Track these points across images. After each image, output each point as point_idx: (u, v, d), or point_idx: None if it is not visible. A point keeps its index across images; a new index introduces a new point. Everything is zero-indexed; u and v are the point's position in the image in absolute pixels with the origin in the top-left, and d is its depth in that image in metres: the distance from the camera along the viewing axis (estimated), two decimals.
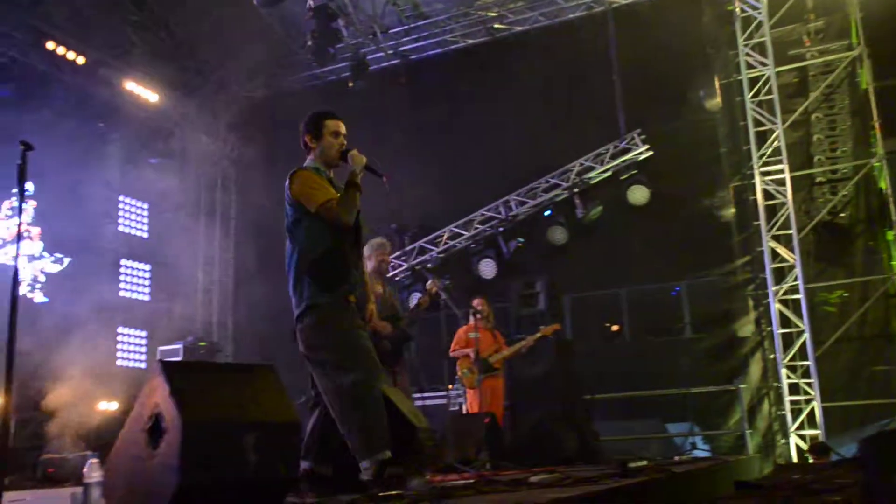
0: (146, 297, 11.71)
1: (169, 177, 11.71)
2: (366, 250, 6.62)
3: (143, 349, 11.41)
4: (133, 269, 11.61)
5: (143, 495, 2.95)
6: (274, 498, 3.18)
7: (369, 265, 6.54)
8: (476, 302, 7.67)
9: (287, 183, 3.98)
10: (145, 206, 11.93)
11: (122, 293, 11.32)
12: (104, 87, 10.60)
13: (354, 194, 3.91)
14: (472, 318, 7.57)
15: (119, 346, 11.04)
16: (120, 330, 11.09)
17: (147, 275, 11.79)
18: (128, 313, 11.21)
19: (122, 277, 11.38)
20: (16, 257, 3.28)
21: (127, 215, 11.64)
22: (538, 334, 7.74)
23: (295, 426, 3.34)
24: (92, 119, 10.30)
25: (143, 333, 11.44)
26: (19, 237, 3.26)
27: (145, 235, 11.88)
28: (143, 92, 11.20)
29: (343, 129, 4.13)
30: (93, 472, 3.21)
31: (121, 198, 11.52)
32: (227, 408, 3.10)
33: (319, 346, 3.86)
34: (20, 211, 3.36)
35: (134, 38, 10.39)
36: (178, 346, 10.20)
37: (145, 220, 11.93)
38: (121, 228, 11.49)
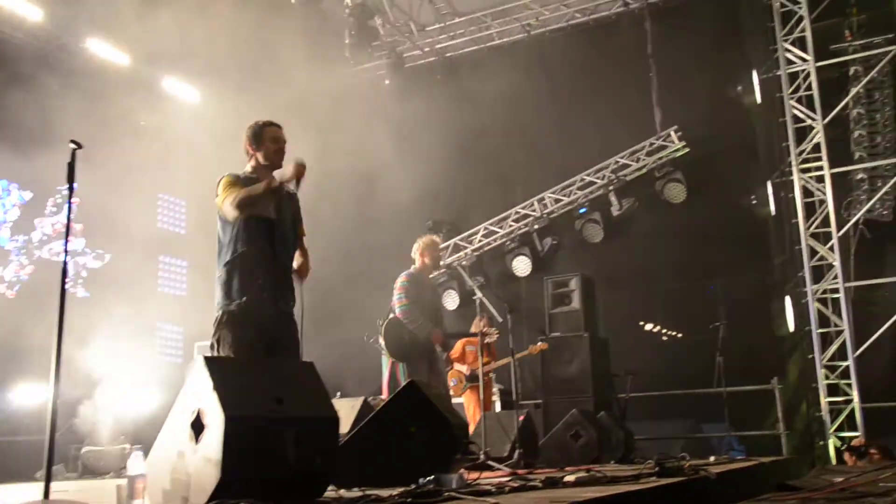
0: (183, 293, 11.89)
1: (205, 174, 11.84)
2: (414, 247, 6.68)
3: (180, 344, 11.58)
4: (171, 264, 11.79)
5: (184, 488, 3.00)
6: (313, 492, 3.22)
7: (420, 262, 6.57)
8: (483, 324, 7.77)
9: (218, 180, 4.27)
10: (183, 202, 12.11)
11: (160, 289, 11.50)
12: (144, 84, 10.77)
13: (258, 191, 4.07)
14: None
15: (158, 341, 11.23)
16: (159, 325, 11.27)
17: (184, 271, 11.97)
18: (166, 308, 11.38)
19: (160, 273, 11.57)
20: (65, 254, 3.34)
21: (165, 212, 11.83)
22: (525, 352, 7.79)
23: (334, 421, 3.38)
24: (133, 116, 10.46)
25: (180, 329, 11.62)
26: (68, 234, 3.32)
27: (183, 232, 12.06)
28: (182, 90, 11.38)
29: (283, 137, 4.39)
30: (136, 464, 3.28)
31: (159, 195, 11.71)
32: (267, 403, 3.14)
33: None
34: (70, 209, 3.43)
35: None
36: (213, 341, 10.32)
37: (183, 217, 12.11)
38: (159, 225, 11.67)
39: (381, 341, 6.60)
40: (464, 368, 7.79)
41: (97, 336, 8.22)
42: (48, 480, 3.04)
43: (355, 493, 3.33)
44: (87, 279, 10.04)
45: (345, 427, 5.36)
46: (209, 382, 3.04)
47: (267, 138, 4.34)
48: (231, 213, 4.08)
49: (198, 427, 3.03)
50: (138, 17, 8.79)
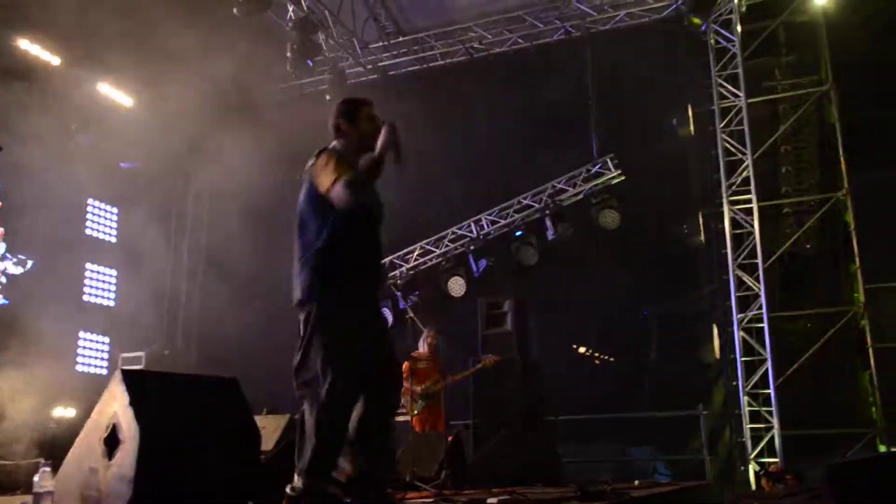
0: (111, 303, 11.54)
1: (140, 182, 11.60)
2: None
3: (105, 355, 11.23)
4: (99, 273, 11.44)
5: None
6: None
7: None
8: (431, 335, 7.76)
9: (311, 162, 3.79)
10: (115, 209, 11.79)
11: (86, 298, 11.15)
12: (78, 89, 10.48)
13: (372, 170, 3.66)
14: (422, 345, 7.71)
15: (80, 350, 10.86)
16: (81, 335, 10.91)
17: (113, 280, 11.63)
18: (91, 318, 11.04)
19: (86, 282, 11.22)
20: None
21: (95, 219, 11.50)
22: (479, 365, 7.81)
23: (255, 439, 3.31)
24: (64, 120, 10.17)
25: (106, 339, 11.27)
26: None
27: (114, 240, 11.73)
28: (116, 95, 11.11)
29: (378, 117, 3.97)
30: (44, 480, 3.15)
31: (90, 201, 11.38)
32: (187, 419, 3.07)
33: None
34: None
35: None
36: (141, 353, 10.05)
37: (114, 225, 11.79)
38: (88, 232, 11.33)
39: None
40: (417, 388, 7.62)
41: (14, 345, 7.91)
42: None
43: None
44: (7, 286, 9.67)
45: (269, 444, 5.26)
46: (126, 396, 2.96)
47: (363, 117, 3.95)
48: (345, 197, 3.52)
49: (112, 442, 2.93)
50: (72, 19, 8.57)
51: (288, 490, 3.34)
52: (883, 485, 2.76)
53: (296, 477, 3.38)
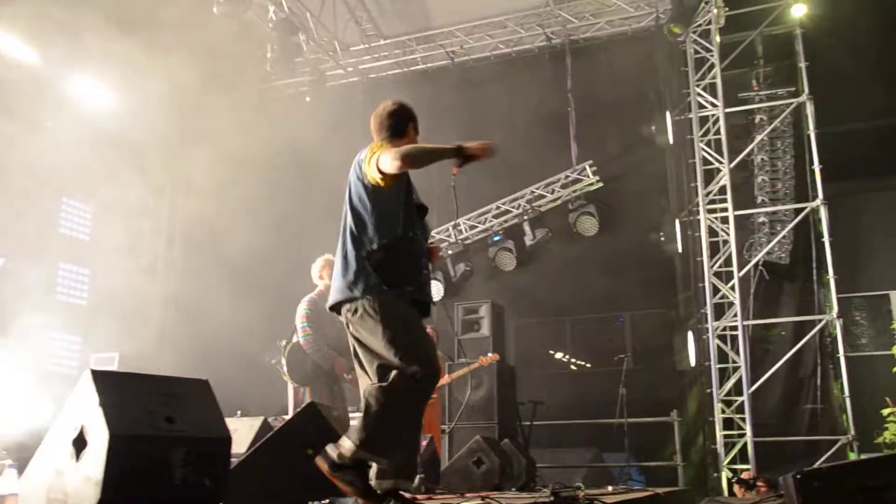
0: (84, 302, 11.41)
1: (115, 180, 11.47)
2: (315, 269, 6.64)
3: (77, 355, 11.09)
4: (72, 272, 11.31)
5: None
6: None
7: (321, 283, 6.56)
8: (429, 330, 7.73)
9: (363, 154, 3.80)
10: (89, 208, 11.67)
11: (58, 297, 11.01)
12: (53, 85, 10.36)
13: (438, 149, 3.68)
14: None
15: (51, 351, 10.72)
16: (53, 335, 10.77)
17: (86, 279, 11.50)
18: (63, 318, 10.89)
19: (59, 281, 11.08)
20: None
21: (69, 217, 11.37)
22: (476, 364, 7.78)
23: (225, 442, 3.28)
24: (39, 116, 10.04)
25: (78, 339, 11.13)
26: None
27: (87, 238, 11.60)
28: (94, 93, 10.99)
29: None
30: (9, 482, 3.11)
31: (64, 199, 11.25)
32: (156, 421, 3.03)
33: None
34: None
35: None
36: (115, 354, 9.94)
37: (88, 223, 11.66)
38: (62, 230, 11.20)
39: (284, 365, 6.47)
40: None
41: None
42: None
43: None
44: None
45: (242, 447, 5.22)
46: (95, 397, 2.92)
47: (412, 130, 4.03)
48: (393, 163, 3.53)
49: (80, 444, 2.89)
50: (50, 14, 8.47)
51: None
52: (846, 492, 2.79)
53: (374, 481, 3.52)
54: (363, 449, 3.45)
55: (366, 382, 3.69)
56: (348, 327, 3.77)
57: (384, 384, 3.53)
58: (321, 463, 3.51)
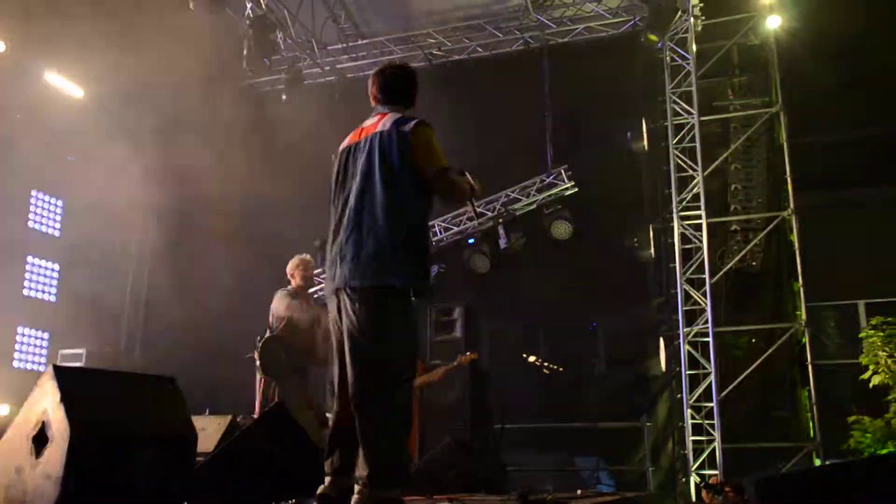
0: (52, 298, 11.24)
1: (87, 175, 11.32)
2: (289, 267, 6.64)
3: (44, 351, 10.93)
4: (40, 267, 11.14)
5: None
6: None
7: (293, 282, 6.57)
8: None
9: (409, 128, 3.65)
10: (59, 202, 11.51)
11: (25, 292, 10.84)
12: (23, 75, 10.20)
13: (465, 190, 3.62)
14: None
15: (18, 346, 10.55)
16: (20, 330, 10.61)
17: (55, 274, 11.34)
18: (30, 313, 10.73)
19: (26, 275, 10.91)
20: None
21: (38, 211, 11.20)
22: (454, 363, 7.76)
23: (190, 441, 3.24)
24: (8, 110, 9.90)
25: (46, 335, 10.97)
26: None
27: (57, 233, 11.44)
28: (66, 86, 10.85)
29: None
30: None
31: (33, 192, 11.08)
32: (121, 419, 2.98)
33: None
34: None
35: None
36: (82, 350, 9.81)
37: (58, 218, 11.50)
38: (30, 224, 11.04)
39: (257, 360, 6.44)
40: None
41: None
42: None
43: None
44: None
45: (210, 446, 5.17)
46: (57, 393, 2.86)
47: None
48: (464, 189, 3.54)
49: (40, 441, 2.83)
50: (20, 4, 8.35)
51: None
52: (809, 498, 2.81)
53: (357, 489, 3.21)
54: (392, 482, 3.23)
55: (344, 375, 3.34)
56: (345, 312, 3.35)
57: (388, 402, 3.24)
58: None
